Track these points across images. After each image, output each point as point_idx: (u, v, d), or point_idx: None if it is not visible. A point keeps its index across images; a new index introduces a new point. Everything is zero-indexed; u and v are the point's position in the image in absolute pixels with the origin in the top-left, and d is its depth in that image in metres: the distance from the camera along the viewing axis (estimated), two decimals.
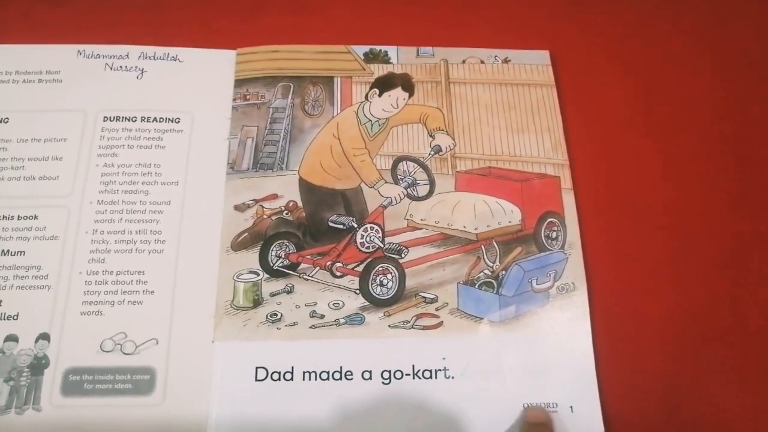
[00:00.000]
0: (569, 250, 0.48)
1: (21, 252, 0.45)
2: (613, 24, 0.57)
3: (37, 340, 0.43)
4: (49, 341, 0.43)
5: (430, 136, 0.52)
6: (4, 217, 0.46)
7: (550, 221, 0.49)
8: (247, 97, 0.52)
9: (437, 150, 0.51)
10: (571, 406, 0.43)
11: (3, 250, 0.45)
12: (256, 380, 0.43)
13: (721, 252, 0.48)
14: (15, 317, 0.43)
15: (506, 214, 0.50)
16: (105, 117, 0.50)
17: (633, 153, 0.51)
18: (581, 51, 0.55)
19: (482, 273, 0.47)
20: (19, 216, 0.46)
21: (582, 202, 0.49)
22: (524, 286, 0.46)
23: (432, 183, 0.50)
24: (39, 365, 0.42)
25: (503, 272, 0.47)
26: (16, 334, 0.43)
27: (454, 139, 0.51)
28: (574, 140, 0.51)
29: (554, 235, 0.49)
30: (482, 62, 0.54)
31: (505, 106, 0.53)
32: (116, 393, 0.42)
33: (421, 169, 0.51)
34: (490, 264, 0.47)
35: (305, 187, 0.50)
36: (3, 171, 0.47)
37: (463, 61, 0.54)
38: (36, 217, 0.46)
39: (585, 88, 0.54)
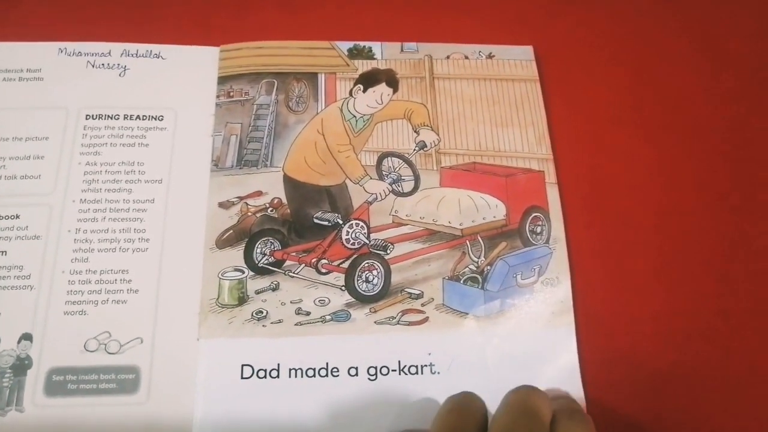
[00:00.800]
0: (553, 244, 0.48)
1: (3, 252, 0.44)
2: (599, 18, 0.57)
3: (19, 341, 0.42)
4: (31, 341, 0.42)
5: (415, 132, 0.52)
6: None
7: (535, 216, 0.49)
8: (231, 93, 0.51)
9: (422, 146, 0.51)
10: None
11: None
12: (242, 378, 0.42)
13: (706, 249, 0.48)
14: None
15: (491, 209, 0.50)
16: (87, 115, 0.49)
17: (618, 148, 0.51)
18: (566, 46, 0.55)
19: (467, 268, 0.47)
20: (0, 215, 0.46)
21: (566, 196, 0.49)
22: (509, 281, 0.46)
23: (417, 179, 0.50)
24: (22, 366, 0.42)
25: (488, 267, 0.47)
26: None
27: (438, 135, 0.51)
28: (558, 135, 0.51)
29: (539, 229, 0.49)
30: (466, 58, 0.54)
31: (490, 101, 0.53)
32: (100, 392, 0.42)
33: (406, 165, 0.51)
34: (475, 259, 0.47)
35: (290, 183, 0.49)
36: None
37: (447, 57, 0.54)
38: (18, 217, 0.46)
39: (569, 83, 0.54)
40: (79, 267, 0.45)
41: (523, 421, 0.36)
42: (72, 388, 0.42)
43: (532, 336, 0.45)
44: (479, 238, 0.48)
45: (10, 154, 0.47)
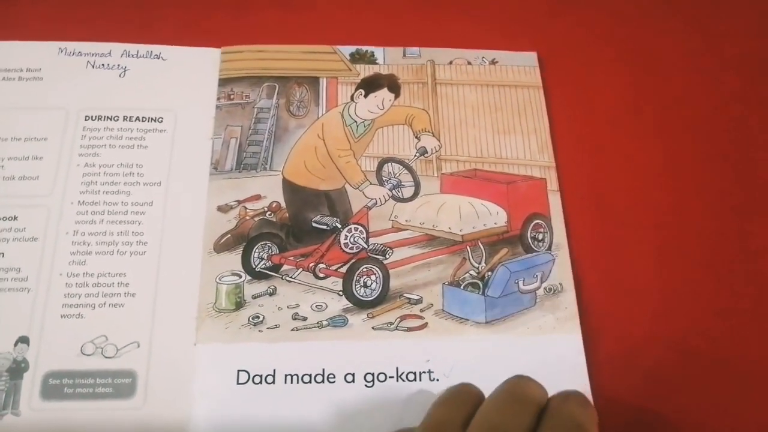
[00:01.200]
0: (556, 251, 0.47)
1: (0, 254, 0.44)
2: (603, 24, 0.57)
3: (16, 344, 0.42)
4: (28, 345, 0.42)
5: (416, 137, 0.51)
6: None
7: (536, 223, 0.49)
8: (232, 96, 0.51)
9: (423, 152, 0.51)
10: None
11: None
12: (238, 384, 0.42)
13: (708, 251, 0.48)
14: None
15: (492, 215, 0.50)
16: (86, 116, 0.49)
17: (620, 156, 0.51)
18: (570, 52, 0.55)
19: (468, 274, 0.47)
20: None
21: (568, 203, 0.49)
22: (511, 287, 0.46)
23: (417, 185, 0.50)
24: (18, 369, 0.41)
25: (489, 273, 0.47)
26: None
27: (439, 141, 0.51)
28: (561, 142, 0.51)
29: (540, 236, 0.48)
30: (469, 63, 0.54)
31: (492, 108, 0.52)
32: (97, 397, 0.41)
33: (406, 171, 0.50)
34: (476, 265, 0.47)
35: (289, 187, 0.49)
36: None
37: (450, 62, 0.54)
38: (15, 218, 0.45)
39: (573, 89, 0.53)
40: (76, 270, 0.44)
41: (506, 406, 0.34)
42: (68, 392, 0.41)
43: (536, 342, 0.44)
44: (480, 244, 0.48)
45: (8, 154, 0.47)
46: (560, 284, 0.46)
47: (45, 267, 0.44)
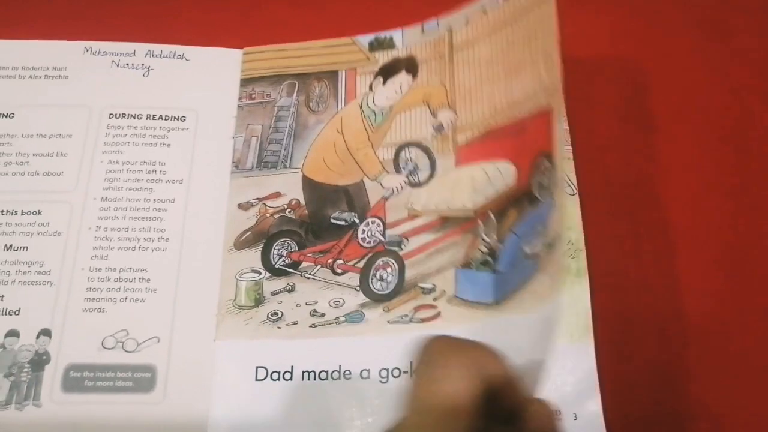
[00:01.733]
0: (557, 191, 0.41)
1: (24, 247, 0.45)
2: None
3: (38, 336, 0.43)
4: (50, 337, 0.43)
5: (433, 115, 0.50)
6: (7, 212, 0.46)
7: (543, 166, 0.44)
8: (253, 96, 0.52)
9: (439, 128, 0.49)
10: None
11: (6, 245, 0.45)
12: (256, 380, 0.42)
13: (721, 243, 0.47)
14: (17, 312, 0.43)
15: (503, 175, 0.46)
16: (111, 114, 0.50)
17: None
18: None
19: (478, 250, 0.44)
20: (22, 211, 0.46)
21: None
22: (519, 255, 0.43)
23: (433, 164, 0.48)
24: (40, 361, 0.42)
25: (500, 246, 0.44)
26: (17, 329, 0.43)
27: (456, 113, 0.49)
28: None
29: (546, 182, 0.43)
30: (485, 12, 0.50)
31: (504, 50, 0.48)
32: (117, 390, 0.42)
33: (423, 153, 0.49)
34: (487, 240, 0.45)
35: (308, 184, 0.49)
36: (7, 166, 0.47)
37: (467, 23, 0.51)
38: (40, 213, 0.46)
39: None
40: (98, 264, 0.45)
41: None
42: (89, 385, 0.42)
43: (543, 315, 0.39)
44: (491, 214, 0.45)
45: (33, 150, 0.48)
46: (565, 231, 0.43)
47: (68, 261, 0.45)
